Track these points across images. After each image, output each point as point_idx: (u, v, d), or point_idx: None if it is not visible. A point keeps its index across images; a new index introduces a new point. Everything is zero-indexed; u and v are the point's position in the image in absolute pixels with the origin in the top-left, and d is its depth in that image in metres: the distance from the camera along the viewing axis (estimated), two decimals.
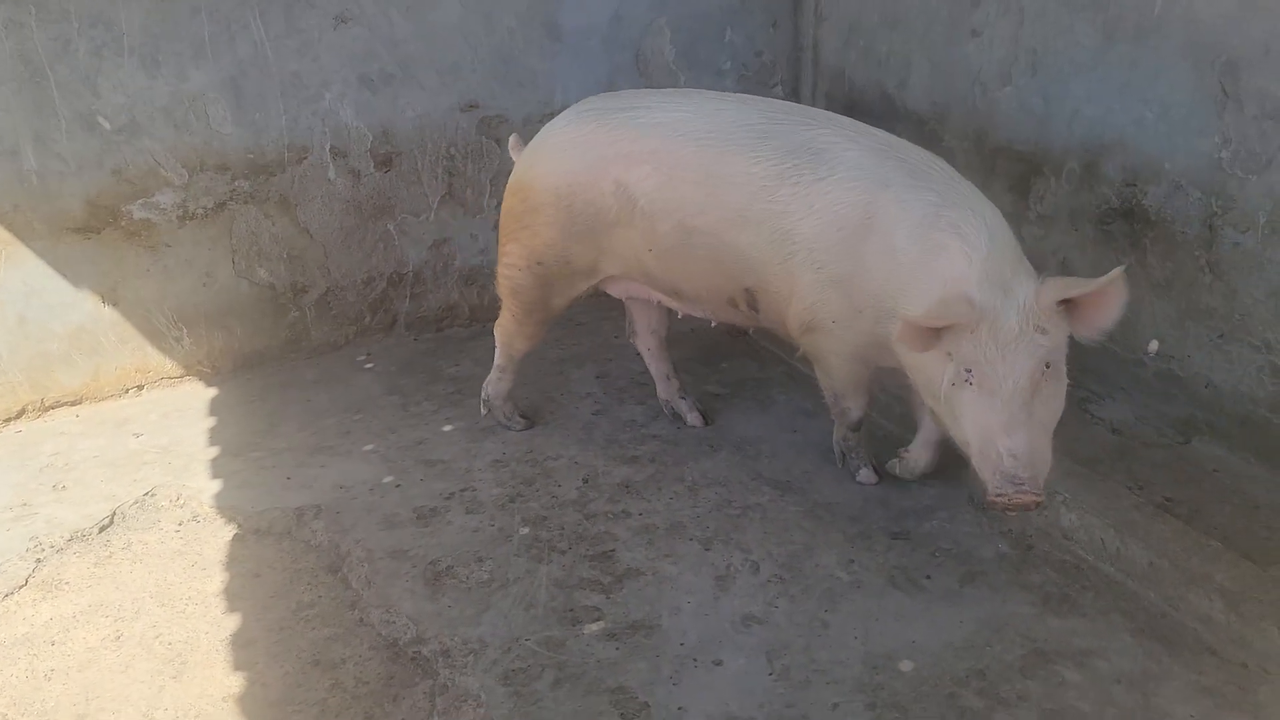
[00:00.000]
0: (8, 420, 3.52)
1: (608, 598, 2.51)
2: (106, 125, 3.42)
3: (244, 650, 2.38)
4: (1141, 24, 2.87)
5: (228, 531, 2.84)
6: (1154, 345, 3.04)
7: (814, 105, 4.37)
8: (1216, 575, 2.34)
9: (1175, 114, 2.83)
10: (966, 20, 3.44)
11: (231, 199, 3.67)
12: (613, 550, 2.70)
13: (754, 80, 4.33)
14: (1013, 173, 3.37)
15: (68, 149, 3.38)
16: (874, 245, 2.47)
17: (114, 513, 2.94)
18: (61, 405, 3.61)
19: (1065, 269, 3.23)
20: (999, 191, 3.41)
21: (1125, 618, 2.38)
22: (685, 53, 4.18)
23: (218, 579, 2.64)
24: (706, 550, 2.68)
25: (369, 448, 3.26)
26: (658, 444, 3.21)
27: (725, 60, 4.27)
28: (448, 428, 3.37)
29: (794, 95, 4.42)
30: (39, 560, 2.74)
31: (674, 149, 2.67)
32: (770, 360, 3.75)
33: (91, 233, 3.49)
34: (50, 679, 2.32)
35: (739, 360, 3.76)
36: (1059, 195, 3.22)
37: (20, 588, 2.64)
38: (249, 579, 2.65)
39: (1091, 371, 3.18)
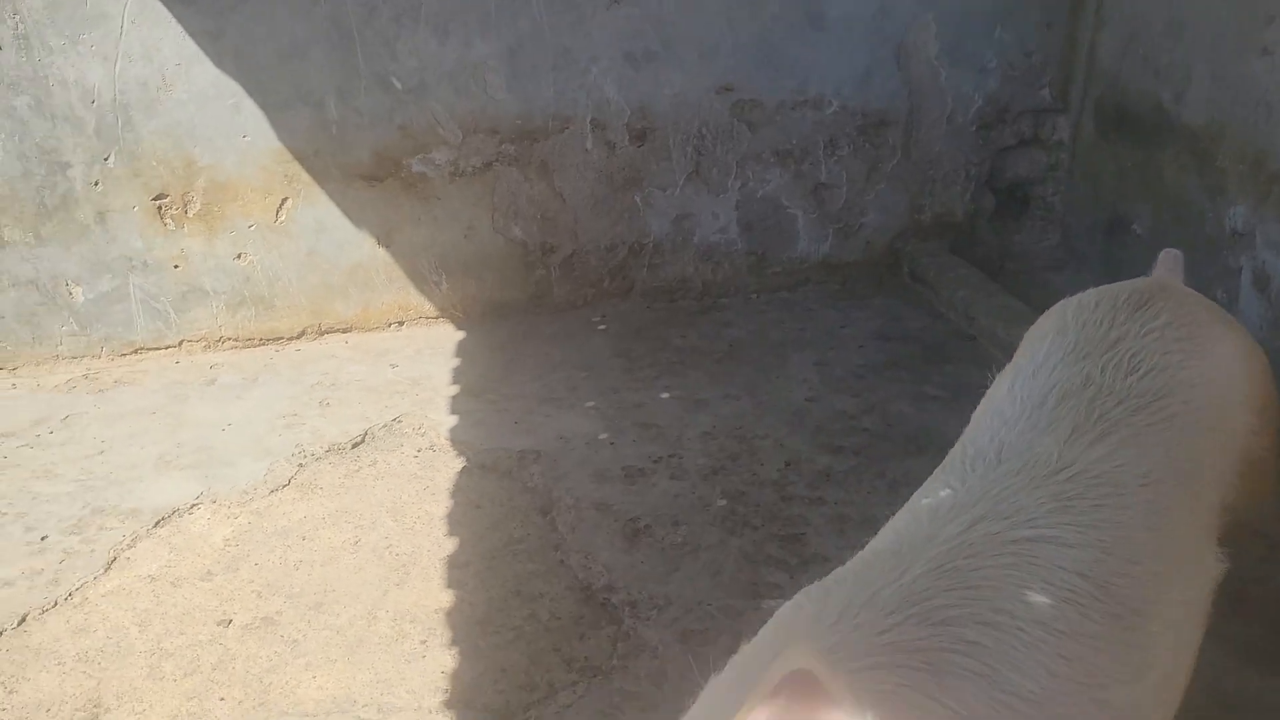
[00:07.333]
0: (291, 339, 4.01)
1: (791, 578, 2.60)
2: (398, 85, 3.79)
3: (458, 571, 2.66)
4: None
5: (458, 463, 3.14)
6: None
7: (1082, 111, 4.21)
8: None
9: None
10: (1258, 37, 3.21)
11: (498, 160, 3.97)
12: (803, 534, 2.78)
13: (1020, 81, 4.21)
14: None
15: (364, 104, 3.78)
16: None
17: (366, 432, 3.32)
18: (335, 331, 4.06)
19: None
20: (1271, 220, 3.20)
21: None
22: (949, 49, 4.11)
23: (444, 504, 2.94)
24: None
25: (591, 404, 3.49)
26: (865, 437, 3.25)
27: (991, 59, 4.17)
28: (665, 395, 3.54)
29: (1062, 99, 4.26)
30: (300, 465, 3.14)
31: None
32: (997, 368, 3.66)
33: (376, 181, 3.89)
34: (298, 568, 2.68)
35: (963, 365, 3.71)
36: None
37: (284, 486, 3.04)
38: (470, 508, 2.93)
39: None
